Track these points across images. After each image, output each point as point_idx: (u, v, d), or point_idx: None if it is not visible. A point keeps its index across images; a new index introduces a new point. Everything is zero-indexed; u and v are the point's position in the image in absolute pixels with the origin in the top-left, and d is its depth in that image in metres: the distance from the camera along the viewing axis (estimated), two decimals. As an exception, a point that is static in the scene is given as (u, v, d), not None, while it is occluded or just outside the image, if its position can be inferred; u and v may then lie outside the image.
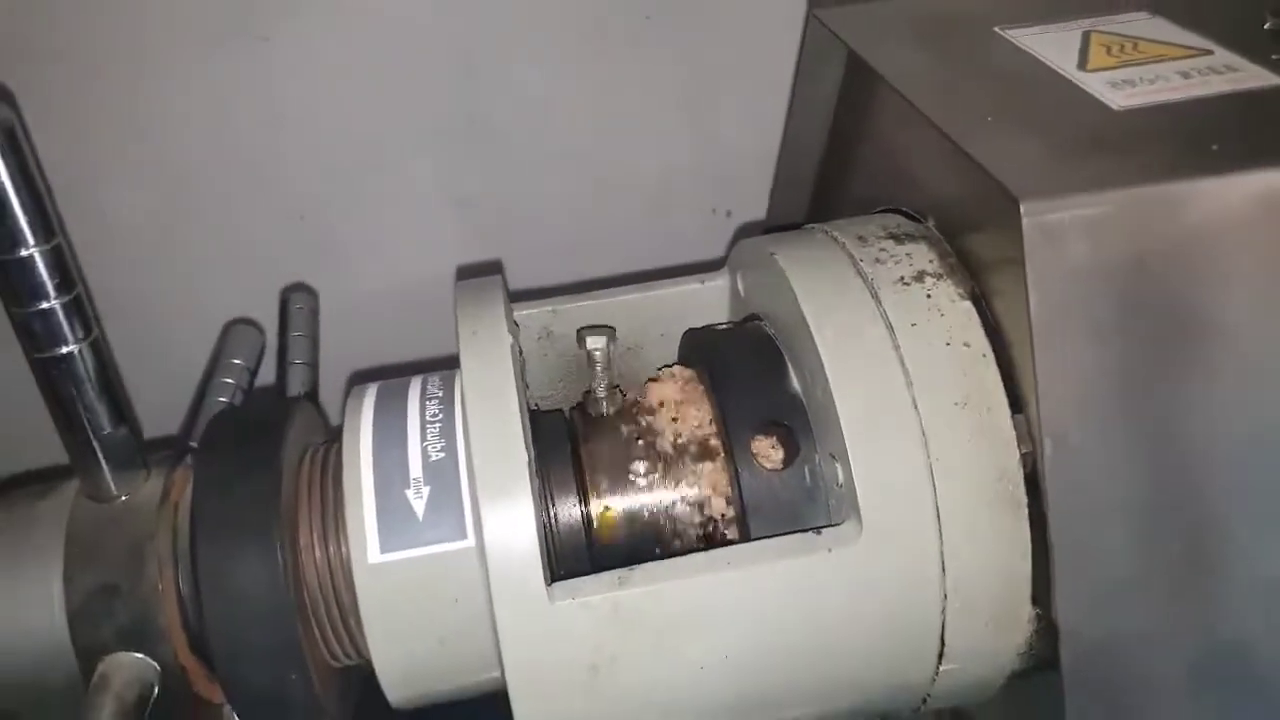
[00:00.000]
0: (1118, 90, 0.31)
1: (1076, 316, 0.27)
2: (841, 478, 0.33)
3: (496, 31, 0.68)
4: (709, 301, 0.44)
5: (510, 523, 0.31)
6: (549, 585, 0.31)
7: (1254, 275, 0.27)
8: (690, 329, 0.41)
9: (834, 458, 0.33)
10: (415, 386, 0.37)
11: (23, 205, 0.30)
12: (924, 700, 0.35)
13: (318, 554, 0.35)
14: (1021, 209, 0.25)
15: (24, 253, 0.31)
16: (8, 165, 0.30)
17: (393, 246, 0.71)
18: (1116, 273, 0.27)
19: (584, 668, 0.31)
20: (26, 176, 0.31)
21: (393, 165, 0.69)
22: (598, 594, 0.31)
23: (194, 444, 0.40)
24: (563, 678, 0.32)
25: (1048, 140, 0.29)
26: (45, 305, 0.32)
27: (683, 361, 0.42)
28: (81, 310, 0.33)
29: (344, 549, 0.34)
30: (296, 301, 0.54)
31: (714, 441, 0.36)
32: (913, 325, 0.33)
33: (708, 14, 0.70)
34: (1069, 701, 0.29)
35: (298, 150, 0.69)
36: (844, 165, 0.47)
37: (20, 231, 0.31)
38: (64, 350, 0.33)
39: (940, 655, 0.33)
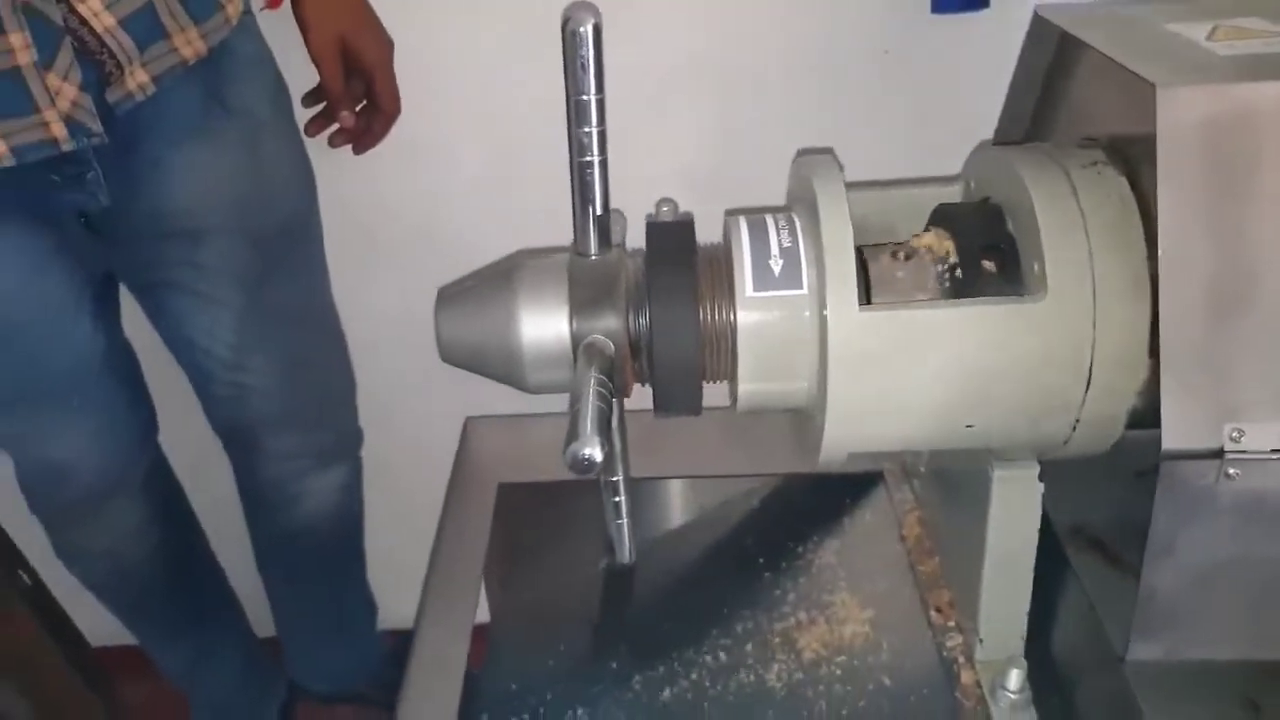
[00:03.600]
0: (1223, 48, 0.54)
1: (1184, 156, 0.49)
2: (1037, 270, 0.55)
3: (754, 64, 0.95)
4: (948, 198, 0.67)
5: (843, 264, 0.55)
6: (860, 306, 0.55)
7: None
8: (940, 203, 0.64)
9: (1034, 261, 0.55)
10: (769, 214, 0.62)
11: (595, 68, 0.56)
12: (1075, 424, 0.57)
13: (714, 296, 0.59)
14: (1156, 90, 0.48)
15: (584, 97, 0.57)
16: (596, 53, 0.56)
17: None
18: (1209, 130, 0.48)
19: (870, 356, 0.54)
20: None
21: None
22: (883, 311, 0.54)
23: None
24: (859, 361, 0.55)
25: (1175, 66, 0.52)
26: (588, 129, 0.57)
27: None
28: (603, 140, 0.58)
29: (730, 293, 0.58)
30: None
31: (954, 259, 0.59)
32: (1087, 184, 0.55)
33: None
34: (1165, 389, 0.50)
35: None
36: (1044, 123, 0.69)
37: (588, 80, 0.56)
38: (589, 159, 0.58)
39: (1088, 383, 0.55)
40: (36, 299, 0.90)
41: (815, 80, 1.09)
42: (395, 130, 1.09)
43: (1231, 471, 0.50)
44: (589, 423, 0.50)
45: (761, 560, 0.85)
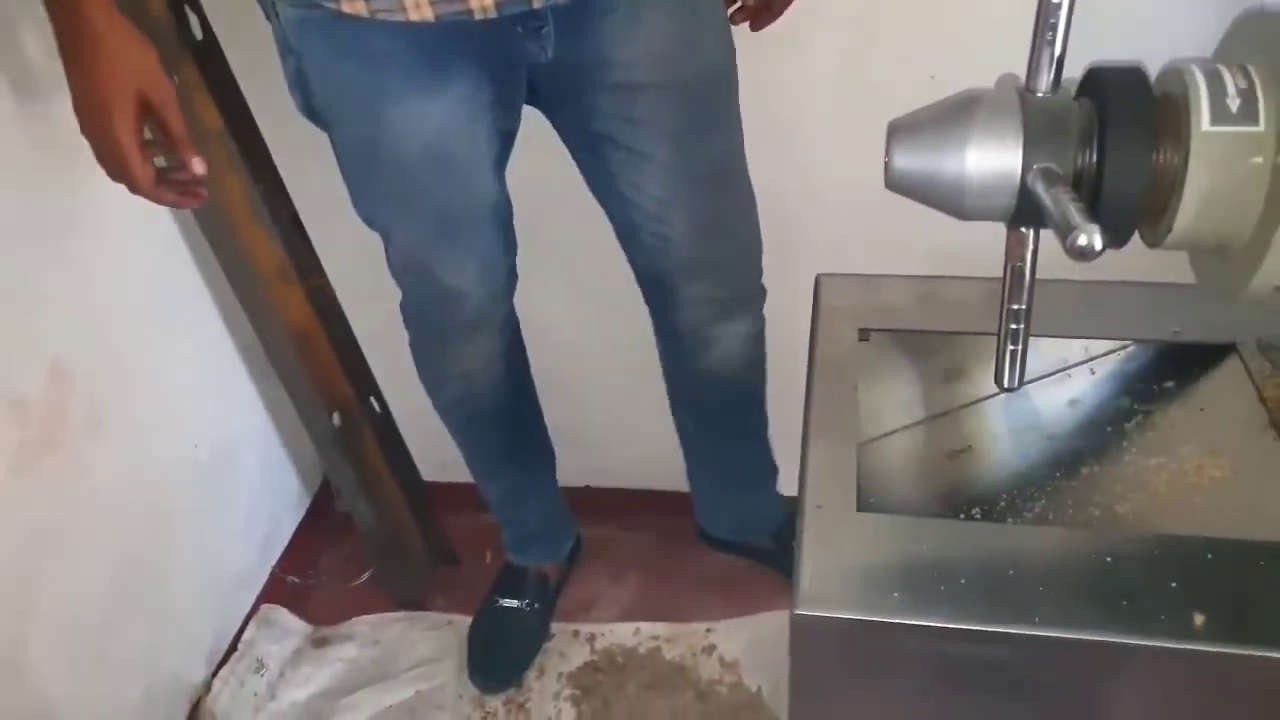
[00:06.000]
0: None
1: None
2: None
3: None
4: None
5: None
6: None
7: None
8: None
9: None
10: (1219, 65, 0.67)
11: None
12: None
13: (1171, 130, 0.65)
14: None
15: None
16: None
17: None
18: None
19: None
20: None
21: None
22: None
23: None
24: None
25: None
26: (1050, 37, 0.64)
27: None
28: None
29: (1178, 130, 0.64)
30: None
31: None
32: None
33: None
34: None
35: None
36: None
37: None
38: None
39: None
40: (468, 143, 1.04)
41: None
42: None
43: None
44: (1078, 215, 0.57)
45: (1104, 415, 0.91)
